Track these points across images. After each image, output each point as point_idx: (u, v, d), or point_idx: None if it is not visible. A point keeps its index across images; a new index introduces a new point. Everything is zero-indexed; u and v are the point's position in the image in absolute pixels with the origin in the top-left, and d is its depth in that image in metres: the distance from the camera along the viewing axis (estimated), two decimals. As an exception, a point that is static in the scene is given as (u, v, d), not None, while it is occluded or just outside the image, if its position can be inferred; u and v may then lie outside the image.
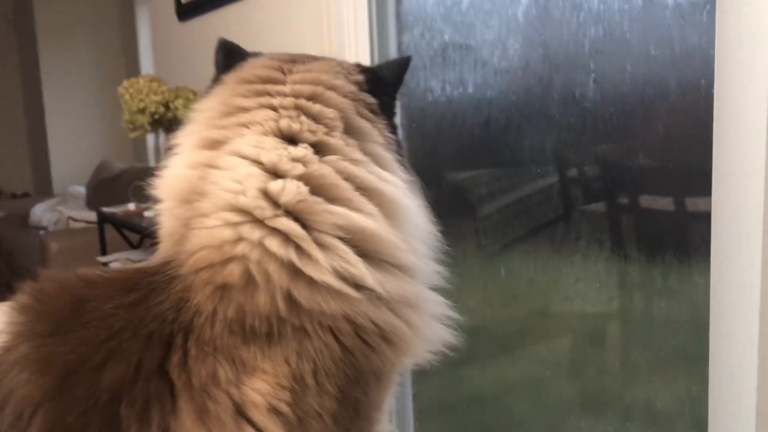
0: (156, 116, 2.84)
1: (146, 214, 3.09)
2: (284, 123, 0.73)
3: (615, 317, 1.58)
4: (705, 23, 1.19)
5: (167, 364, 0.63)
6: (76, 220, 4.18)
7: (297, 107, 0.74)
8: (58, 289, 0.69)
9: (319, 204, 0.69)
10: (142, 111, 2.80)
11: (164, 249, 0.74)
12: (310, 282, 0.67)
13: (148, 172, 3.29)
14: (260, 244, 0.68)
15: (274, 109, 0.74)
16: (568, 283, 1.63)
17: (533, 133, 1.62)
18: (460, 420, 2.02)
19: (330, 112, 0.74)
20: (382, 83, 0.81)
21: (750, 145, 0.99)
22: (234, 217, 0.69)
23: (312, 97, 0.75)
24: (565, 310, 1.66)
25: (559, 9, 1.47)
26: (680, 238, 1.38)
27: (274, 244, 0.68)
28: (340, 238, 0.69)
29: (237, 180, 0.71)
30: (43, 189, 6.10)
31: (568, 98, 1.49)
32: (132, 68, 5.42)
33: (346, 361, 0.66)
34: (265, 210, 0.69)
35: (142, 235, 2.94)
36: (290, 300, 0.67)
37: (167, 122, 2.93)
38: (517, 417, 1.82)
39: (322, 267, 0.68)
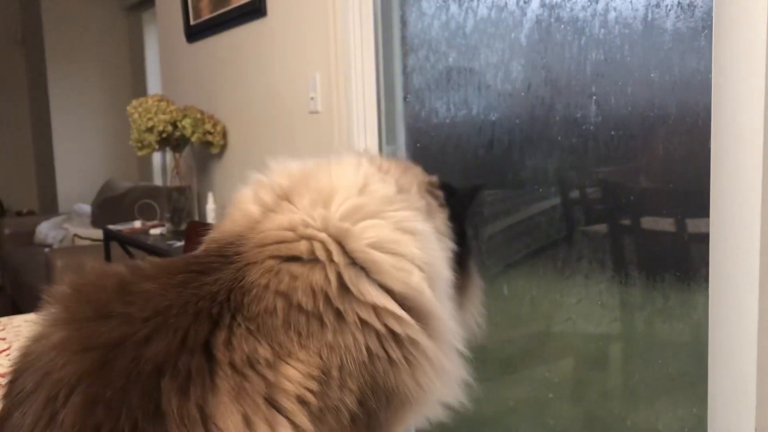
0: (164, 135, 2.87)
1: (152, 232, 3.11)
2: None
3: (616, 338, 1.58)
4: (703, 47, 1.22)
5: (212, 341, 0.65)
6: (81, 238, 4.20)
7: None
8: (101, 275, 0.71)
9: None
10: (150, 130, 2.84)
11: (220, 237, 0.77)
12: (373, 269, 0.71)
13: (154, 191, 3.32)
14: (337, 232, 0.73)
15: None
16: (569, 304, 1.64)
17: (536, 155, 1.64)
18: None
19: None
20: (456, 200, 0.87)
21: (746, 167, 1.01)
22: (321, 209, 0.75)
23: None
24: (567, 330, 1.67)
25: (561, 33, 1.50)
26: (681, 259, 1.39)
27: (351, 239, 0.72)
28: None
29: (338, 185, 0.78)
30: (49, 207, 6.13)
31: (569, 121, 1.51)
32: (139, 88, 5.48)
33: (368, 367, 0.68)
34: (354, 214, 0.75)
35: (148, 253, 2.96)
36: (343, 284, 0.70)
37: (174, 141, 2.96)
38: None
39: (384, 268, 0.72)
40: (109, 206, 4.37)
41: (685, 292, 1.37)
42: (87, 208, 4.99)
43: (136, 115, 2.87)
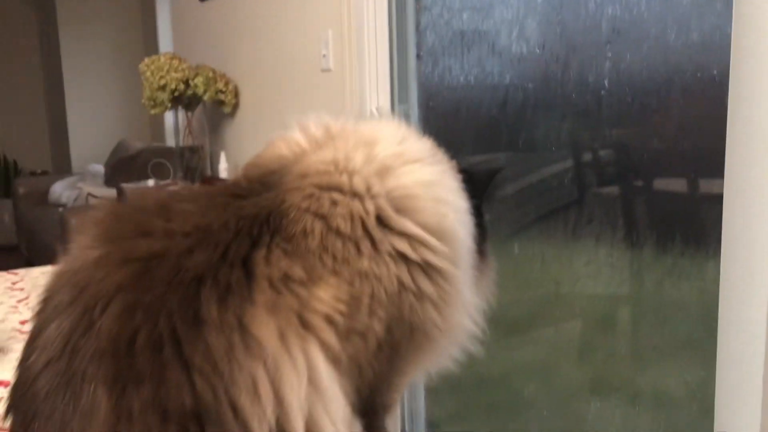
0: (176, 93, 2.88)
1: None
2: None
3: (626, 300, 1.59)
4: (722, 6, 1.20)
5: (251, 257, 0.67)
6: (95, 197, 4.24)
7: None
8: (139, 198, 0.73)
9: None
10: (162, 88, 2.84)
11: (262, 164, 0.79)
12: (410, 207, 0.73)
13: (166, 151, 3.34)
14: (379, 169, 0.75)
15: None
16: (579, 266, 1.64)
17: (549, 117, 1.63)
18: (470, 399, 2.05)
19: None
20: (474, 184, 0.85)
21: (763, 128, 1.00)
22: (364, 149, 0.76)
23: None
24: (577, 292, 1.68)
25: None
26: (693, 221, 1.39)
27: (392, 177, 0.74)
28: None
29: (380, 134, 0.80)
30: (62, 167, 6.17)
31: (584, 80, 1.50)
32: (151, 47, 5.45)
33: (398, 297, 0.70)
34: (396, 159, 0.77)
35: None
36: (380, 215, 0.72)
37: (187, 100, 2.96)
38: (527, 398, 1.84)
39: (422, 205, 0.74)
40: (122, 166, 4.40)
41: (696, 254, 1.37)
42: (100, 168, 5.02)
43: (148, 73, 2.87)
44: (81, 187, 4.65)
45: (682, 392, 1.45)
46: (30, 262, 4.97)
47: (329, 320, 0.67)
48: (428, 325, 0.73)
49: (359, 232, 0.70)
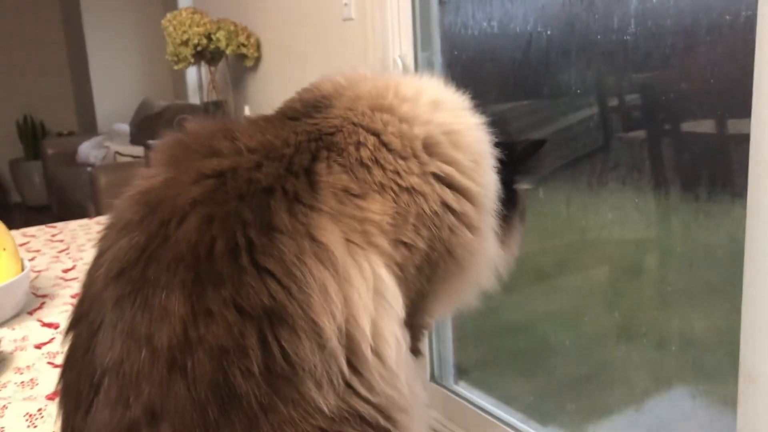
0: (198, 48, 2.88)
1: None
2: None
3: (652, 245, 1.59)
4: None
5: (314, 168, 0.71)
6: (123, 155, 4.29)
7: None
8: (201, 126, 0.76)
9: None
10: (185, 43, 2.84)
11: (316, 90, 0.83)
12: (455, 140, 0.77)
13: (190, 108, 3.36)
14: (430, 100, 0.79)
15: None
16: (605, 212, 1.64)
17: (574, 63, 1.61)
18: (497, 346, 2.08)
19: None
20: (514, 154, 0.88)
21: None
22: (416, 86, 0.81)
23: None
24: (603, 238, 1.68)
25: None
26: (720, 163, 1.38)
27: (441, 111, 0.79)
28: None
29: (424, 82, 0.84)
30: (88, 127, 6.24)
31: (609, 24, 1.48)
32: (171, 3, 5.44)
33: (440, 218, 0.74)
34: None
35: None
36: (428, 140, 0.76)
37: (209, 54, 2.96)
38: (553, 344, 1.87)
39: (467, 141, 0.78)
40: (147, 124, 4.43)
41: (723, 197, 1.36)
42: (125, 127, 5.07)
43: (170, 29, 2.87)
44: (108, 146, 4.71)
45: (708, 336, 1.46)
46: (62, 221, 5.06)
47: (381, 229, 0.70)
48: (463, 250, 0.77)
49: (409, 150, 0.74)
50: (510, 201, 0.86)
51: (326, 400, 0.63)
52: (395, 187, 0.72)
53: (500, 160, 0.83)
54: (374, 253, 0.69)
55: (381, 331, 0.68)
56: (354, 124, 0.75)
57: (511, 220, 0.88)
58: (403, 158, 0.73)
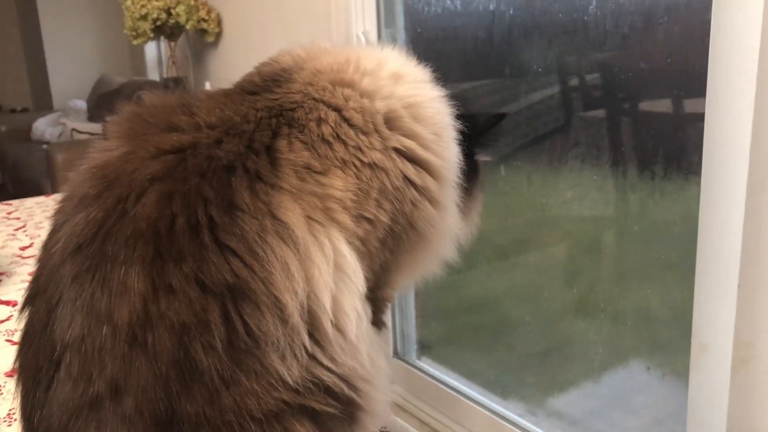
0: (158, 23, 2.82)
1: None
2: None
3: (610, 222, 1.62)
4: None
5: (274, 146, 0.71)
6: (80, 132, 4.20)
7: None
8: (159, 98, 0.76)
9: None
10: (144, 17, 2.78)
11: (274, 63, 0.83)
12: (416, 114, 0.78)
13: (149, 85, 3.30)
14: (391, 74, 0.80)
15: None
16: (565, 190, 1.67)
17: (535, 42, 1.62)
18: (459, 322, 2.11)
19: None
20: (474, 125, 0.88)
21: (743, 50, 1.00)
22: (377, 59, 0.81)
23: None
24: (563, 216, 1.71)
25: None
26: (677, 142, 1.41)
27: (403, 84, 0.79)
28: None
29: (386, 54, 0.85)
30: (43, 104, 6.08)
31: (570, 3, 1.49)
32: (129, -22, 5.32)
33: (401, 192, 0.75)
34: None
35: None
36: (390, 115, 0.76)
37: (169, 29, 2.91)
38: (514, 320, 1.90)
39: (427, 114, 0.79)
40: (105, 101, 4.34)
41: (680, 175, 1.39)
42: (82, 104, 4.95)
43: (129, 2, 2.81)
44: (65, 123, 4.60)
45: (663, 310, 1.50)
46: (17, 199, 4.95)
47: (343, 205, 0.71)
48: (425, 223, 0.78)
49: (370, 126, 0.75)
50: (470, 172, 0.87)
51: (290, 371, 0.64)
52: (357, 163, 0.73)
53: (462, 132, 0.84)
54: (335, 229, 0.70)
55: (342, 305, 0.69)
56: (315, 99, 0.75)
57: (472, 191, 0.89)
58: (365, 133, 0.74)
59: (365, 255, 0.73)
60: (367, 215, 0.73)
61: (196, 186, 0.66)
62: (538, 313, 1.81)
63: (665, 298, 1.48)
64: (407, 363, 2.11)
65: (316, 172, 0.70)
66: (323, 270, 0.68)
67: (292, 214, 0.67)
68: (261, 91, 0.77)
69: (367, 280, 0.74)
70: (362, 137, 0.74)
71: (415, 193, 0.76)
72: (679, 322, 1.42)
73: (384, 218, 0.74)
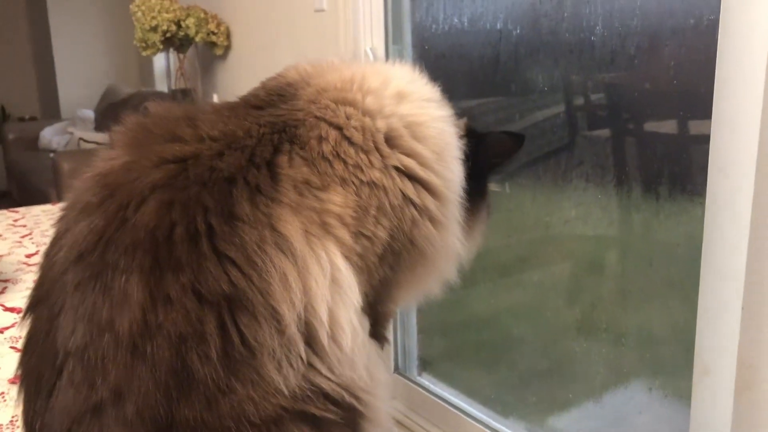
0: (168, 35, 2.85)
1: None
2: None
3: (614, 242, 1.62)
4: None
5: (275, 161, 0.71)
6: (87, 142, 4.22)
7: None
8: (165, 109, 0.76)
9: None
10: (154, 29, 2.80)
11: (281, 79, 0.83)
12: (417, 133, 0.78)
13: (157, 96, 3.31)
14: (395, 93, 0.79)
15: None
16: (569, 208, 1.67)
17: (541, 61, 1.63)
18: (460, 339, 2.10)
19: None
20: (478, 147, 0.88)
21: (749, 74, 1.01)
22: (383, 76, 0.81)
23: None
24: (566, 234, 1.71)
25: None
26: (682, 163, 1.41)
27: (406, 103, 0.79)
28: None
29: (394, 72, 0.84)
30: (51, 113, 6.11)
31: (577, 24, 1.50)
32: (139, -10, 5.37)
33: (400, 210, 0.76)
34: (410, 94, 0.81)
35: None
36: (391, 134, 0.77)
37: (178, 41, 2.93)
38: (515, 338, 1.89)
39: (429, 134, 0.79)
40: (113, 111, 4.36)
41: (684, 196, 1.39)
42: (90, 114, 4.98)
43: (139, 14, 2.83)
44: (72, 132, 4.63)
45: (665, 332, 1.49)
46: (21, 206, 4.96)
47: (342, 221, 0.71)
48: (425, 241, 0.78)
49: (370, 144, 0.75)
50: (478, 192, 0.87)
51: (287, 380, 0.64)
52: (356, 181, 0.73)
53: (472, 152, 0.84)
54: (332, 243, 0.70)
55: (337, 318, 0.70)
56: (317, 117, 0.75)
57: (478, 211, 0.89)
58: (365, 152, 0.74)
59: (363, 270, 0.73)
60: (366, 232, 0.73)
61: (196, 194, 0.66)
62: (540, 331, 1.80)
63: (668, 319, 1.48)
64: (408, 379, 2.10)
65: (315, 187, 0.71)
66: (320, 282, 0.68)
67: (291, 227, 0.68)
68: (265, 106, 0.77)
69: (366, 294, 0.74)
70: (362, 156, 0.74)
71: (415, 212, 0.77)
72: (681, 343, 1.41)
73: (382, 235, 0.74)
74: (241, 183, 0.68)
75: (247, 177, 0.69)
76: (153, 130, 0.72)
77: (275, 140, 0.73)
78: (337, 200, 0.71)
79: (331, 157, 0.73)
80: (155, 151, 0.70)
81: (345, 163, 0.73)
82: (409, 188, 0.76)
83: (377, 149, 0.75)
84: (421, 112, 0.80)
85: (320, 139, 0.73)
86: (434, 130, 0.79)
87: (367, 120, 0.76)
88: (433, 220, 0.78)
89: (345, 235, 0.71)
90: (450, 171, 0.80)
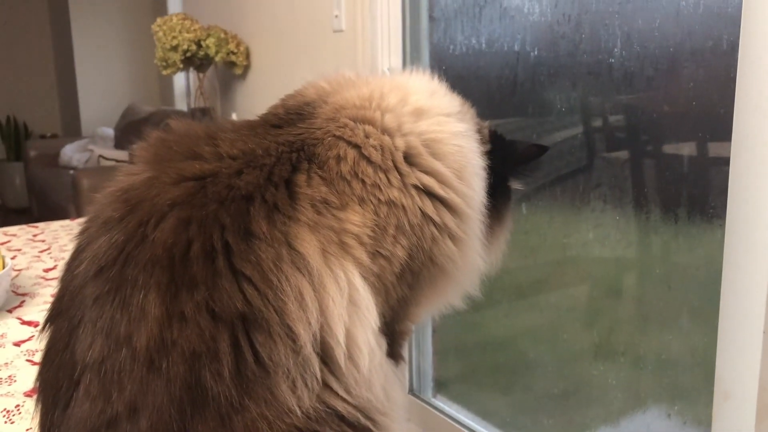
0: (188, 54, 2.88)
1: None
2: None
3: (632, 265, 1.61)
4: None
5: (293, 179, 0.71)
6: (107, 159, 4.26)
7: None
8: (187, 127, 0.77)
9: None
10: (174, 48, 2.84)
11: (299, 97, 0.84)
12: (436, 150, 0.78)
13: (177, 115, 3.34)
14: (412, 110, 0.79)
15: None
16: (587, 230, 1.66)
17: (559, 83, 1.64)
18: (476, 361, 2.09)
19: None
20: (502, 151, 0.88)
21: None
22: (398, 92, 0.80)
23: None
24: (584, 257, 1.70)
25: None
26: (701, 185, 1.40)
27: (425, 120, 0.79)
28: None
29: (413, 85, 0.84)
30: (72, 130, 6.20)
31: (595, 46, 1.50)
32: (160, 9, 5.44)
33: (420, 229, 0.75)
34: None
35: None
36: (410, 152, 0.76)
37: (198, 61, 2.97)
38: (532, 360, 1.88)
39: (447, 151, 0.78)
40: (133, 129, 4.42)
41: (703, 219, 1.38)
42: (110, 132, 5.04)
43: (160, 33, 2.87)
44: (92, 150, 4.68)
45: (684, 356, 1.47)
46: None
47: (360, 241, 0.71)
48: (445, 258, 0.78)
49: (389, 163, 0.75)
50: (502, 197, 0.87)
51: (300, 401, 0.64)
52: (375, 200, 0.73)
53: (497, 157, 0.84)
54: (351, 263, 0.70)
55: (355, 339, 0.69)
56: (335, 136, 0.75)
57: (501, 218, 0.88)
58: (383, 171, 0.74)
59: (381, 290, 0.73)
60: (383, 252, 0.73)
61: (213, 212, 0.66)
62: (557, 354, 1.78)
63: (687, 343, 1.46)
64: (423, 400, 2.09)
65: (333, 207, 0.71)
66: (337, 302, 0.68)
67: (309, 245, 0.68)
68: (284, 125, 0.78)
69: (383, 315, 0.74)
70: (380, 175, 0.74)
71: (434, 230, 0.76)
72: (701, 368, 1.39)
73: (401, 254, 0.74)
74: (259, 201, 0.68)
75: (264, 195, 0.69)
76: (174, 147, 0.73)
77: (294, 159, 0.73)
78: (356, 220, 0.71)
79: (349, 177, 0.73)
80: (175, 168, 0.70)
81: (363, 182, 0.73)
82: (429, 206, 0.76)
83: (396, 168, 0.75)
84: (440, 129, 0.79)
85: (338, 158, 0.74)
86: (453, 147, 0.79)
87: (386, 138, 0.76)
88: (453, 237, 0.78)
89: (363, 255, 0.71)
90: (470, 188, 0.79)
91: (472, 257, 0.81)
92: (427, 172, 0.76)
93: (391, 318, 0.76)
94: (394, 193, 0.74)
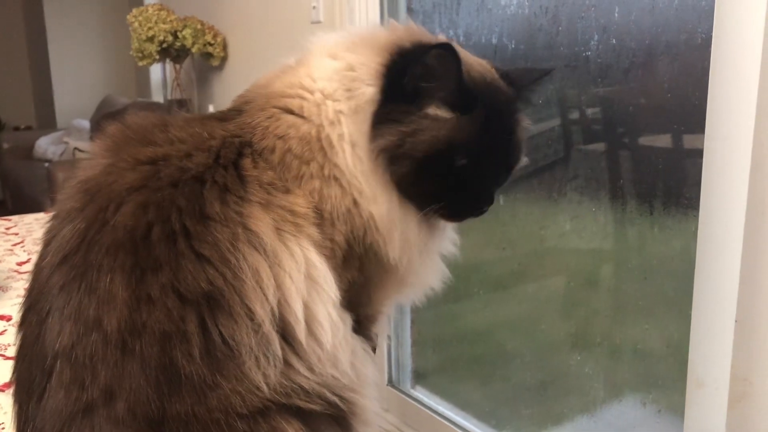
0: (164, 45, 2.85)
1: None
2: None
3: (609, 256, 1.62)
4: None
5: (240, 162, 0.73)
6: (82, 151, 4.21)
7: None
8: (143, 117, 0.79)
9: None
10: (150, 39, 2.81)
11: (244, 94, 0.85)
12: (346, 139, 0.77)
13: (153, 107, 3.31)
14: (325, 96, 0.79)
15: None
16: (564, 222, 1.67)
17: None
18: (455, 352, 2.09)
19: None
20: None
21: (742, 88, 1.01)
22: (318, 80, 0.80)
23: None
24: (561, 248, 1.71)
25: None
26: (676, 177, 1.41)
27: (337, 104, 0.78)
28: None
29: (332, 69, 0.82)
30: (46, 122, 6.11)
31: (572, 39, 1.51)
32: (135, 0, 5.38)
33: (348, 218, 0.76)
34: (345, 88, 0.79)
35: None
36: (325, 141, 0.76)
37: (175, 52, 2.94)
38: (510, 351, 1.89)
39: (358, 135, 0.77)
40: (109, 122, 4.36)
41: (678, 210, 1.39)
42: (86, 124, 4.98)
43: (136, 24, 2.84)
44: (67, 142, 4.62)
45: (660, 346, 1.49)
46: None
47: (310, 221, 0.72)
48: (379, 250, 0.77)
49: (308, 154, 0.75)
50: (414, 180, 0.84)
51: (267, 378, 0.65)
52: (307, 188, 0.74)
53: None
54: (306, 239, 0.72)
55: (315, 315, 0.71)
56: (264, 127, 0.77)
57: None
58: (306, 162, 0.75)
59: (334, 268, 0.74)
60: (326, 235, 0.74)
61: (169, 195, 0.68)
62: (535, 345, 1.80)
63: (662, 332, 1.48)
64: (401, 392, 2.09)
65: (279, 190, 0.73)
66: (294, 277, 0.69)
67: (262, 223, 0.69)
68: (227, 118, 0.80)
69: (340, 289, 0.74)
70: (303, 167, 0.75)
71: (360, 220, 0.76)
72: (676, 357, 1.41)
73: (339, 239, 0.75)
74: (210, 182, 0.70)
75: (215, 176, 0.70)
76: (130, 136, 0.75)
77: (237, 144, 0.75)
78: (300, 202, 0.73)
79: (282, 166, 0.74)
80: (130, 153, 0.72)
81: (290, 171, 0.74)
82: (349, 200, 0.76)
83: (315, 160, 0.76)
84: (336, 119, 0.78)
85: (270, 149, 0.75)
86: (349, 143, 0.77)
87: (304, 128, 0.77)
88: (377, 228, 0.77)
89: (314, 232, 0.72)
90: (381, 183, 0.77)
91: (410, 252, 0.79)
92: (338, 164, 0.76)
93: (352, 302, 0.77)
94: (317, 184, 0.75)
